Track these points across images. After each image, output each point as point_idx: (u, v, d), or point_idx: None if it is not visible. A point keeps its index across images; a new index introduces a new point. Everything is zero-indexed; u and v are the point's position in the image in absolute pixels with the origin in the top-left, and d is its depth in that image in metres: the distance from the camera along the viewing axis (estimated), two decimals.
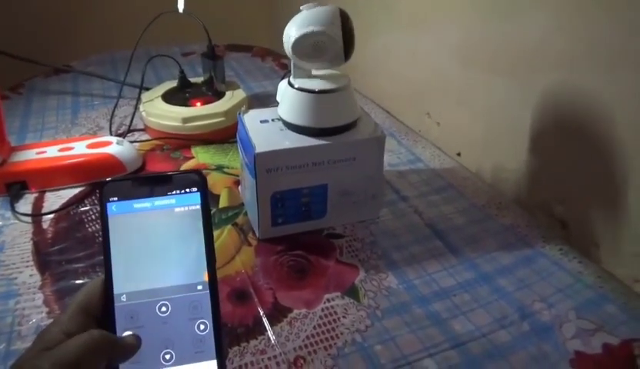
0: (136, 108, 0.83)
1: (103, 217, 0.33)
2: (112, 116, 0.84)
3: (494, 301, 0.50)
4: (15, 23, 1.24)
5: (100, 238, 0.42)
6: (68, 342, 0.29)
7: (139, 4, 1.01)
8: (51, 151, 0.68)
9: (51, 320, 0.35)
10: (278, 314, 0.49)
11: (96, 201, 0.64)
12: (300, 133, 0.55)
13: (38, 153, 0.68)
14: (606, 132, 0.55)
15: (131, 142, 0.75)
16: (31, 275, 0.53)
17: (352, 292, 0.51)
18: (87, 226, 0.60)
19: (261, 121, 0.58)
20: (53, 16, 1.27)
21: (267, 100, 0.92)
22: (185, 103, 0.80)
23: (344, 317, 0.48)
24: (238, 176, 0.69)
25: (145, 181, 0.34)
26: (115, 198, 0.33)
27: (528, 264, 0.55)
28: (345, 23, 0.52)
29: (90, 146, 0.69)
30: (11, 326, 0.47)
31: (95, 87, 0.98)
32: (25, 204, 0.64)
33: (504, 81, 0.68)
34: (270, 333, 0.47)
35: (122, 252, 0.32)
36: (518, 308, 0.49)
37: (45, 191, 0.67)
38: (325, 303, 0.50)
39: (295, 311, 0.49)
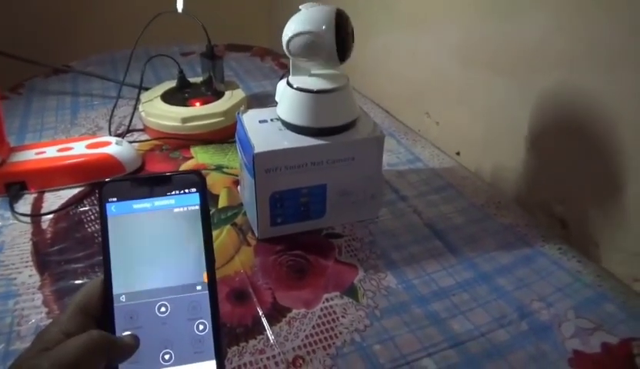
0: (135, 108, 0.83)
1: (102, 217, 0.33)
2: (111, 116, 0.84)
3: (493, 301, 0.50)
4: (15, 23, 1.24)
5: (99, 238, 0.42)
6: (67, 342, 0.29)
7: (139, 4, 1.01)
8: (51, 152, 0.68)
9: (51, 321, 0.35)
10: (277, 313, 0.49)
11: (95, 202, 0.64)
12: (299, 133, 0.55)
13: (37, 153, 0.68)
14: (606, 132, 0.55)
15: (131, 142, 0.75)
16: (30, 275, 0.53)
17: (351, 292, 0.51)
18: (86, 226, 0.60)
19: (260, 121, 0.58)
20: (53, 16, 1.27)
21: (266, 100, 0.92)
22: (184, 103, 0.80)
23: (343, 316, 0.48)
24: (237, 176, 0.69)
25: (144, 182, 0.34)
26: (115, 199, 0.33)
27: (528, 264, 0.55)
28: (342, 24, 0.52)
29: (89, 146, 0.69)
30: (11, 326, 0.47)
31: (95, 87, 0.98)
32: (25, 205, 0.64)
33: (504, 80, 0.68)
34: (269, 333, 0.47)
35: (121, 252, 0.32)
36: (517, 308, 0.49)
37: (44, 192, 0.67)
38: (323, 303, 0.50)
39: (294, 311, 0.49)
